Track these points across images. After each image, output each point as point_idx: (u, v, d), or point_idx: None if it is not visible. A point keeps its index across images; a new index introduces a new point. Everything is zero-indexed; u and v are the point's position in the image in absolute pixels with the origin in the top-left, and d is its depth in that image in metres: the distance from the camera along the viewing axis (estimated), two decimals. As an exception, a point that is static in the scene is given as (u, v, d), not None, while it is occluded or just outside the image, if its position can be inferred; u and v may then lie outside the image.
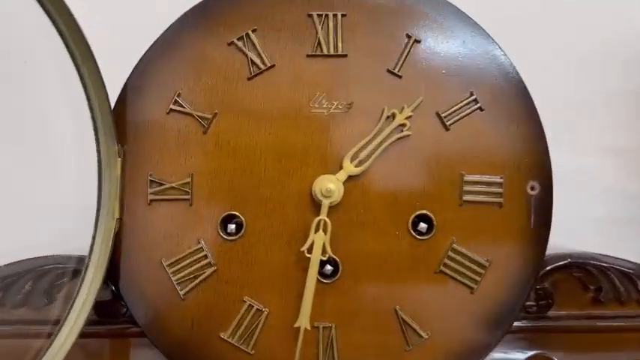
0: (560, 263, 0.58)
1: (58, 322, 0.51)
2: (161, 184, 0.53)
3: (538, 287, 0.58)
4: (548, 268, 0.58)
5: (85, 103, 0.49)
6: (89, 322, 0.51)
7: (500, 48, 0.54)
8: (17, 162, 0.64)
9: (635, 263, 0.59)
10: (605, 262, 0.58)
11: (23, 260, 0.56)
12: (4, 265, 0.56)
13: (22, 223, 0.66)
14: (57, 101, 0.53)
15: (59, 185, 0.58)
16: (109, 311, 0.57)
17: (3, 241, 0.63)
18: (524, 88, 0.54)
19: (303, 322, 0.50)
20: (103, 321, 0.57)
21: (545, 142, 0.54)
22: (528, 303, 0.57)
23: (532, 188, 0.53)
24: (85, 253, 0.52)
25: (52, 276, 0.56)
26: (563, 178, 0.62)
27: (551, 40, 0.94)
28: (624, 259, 0.59)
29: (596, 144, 0.95)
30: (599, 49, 0.94)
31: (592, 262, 0.58)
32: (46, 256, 0.56)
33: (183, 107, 0.53)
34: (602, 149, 0.95)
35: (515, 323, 0.56)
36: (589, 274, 0.58)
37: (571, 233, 0.75)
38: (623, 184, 0.95)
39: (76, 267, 0.56)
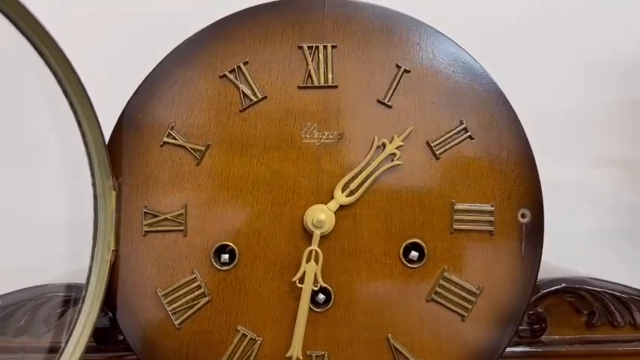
0: (553, 288, 0.58)
1: (57, 350, 0.52)
2: (155, 216, 0.54)
3: (531, 312, 0.58)
4: (541, 292, 0.58)
5: (80, 138, 0.50)
6: (87, 349, 0.52)
7: (489, 75, 0.55)
8: (13, 195, 0.66)
9: (629, 287, 0.59)
10: (598, 287, 0.58)
11: (23, 289, 0.57)
12: (5, 294, 0.57)
13: (21, 249, 0.67)
14: (50, 137, 0.54)
15: (55, 215, 0.59)
16: (107, 338, 0.58)
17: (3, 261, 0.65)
18: (514, 115, 0.55)
19: (295, 351, 0.51)
20: (101, 348, 0.58)
21: (536, 168, 0.54)
22: (521, 327, 0.58)
23: (523, 216, 0.54)
24: (78, 279, 0.53)
25: (50, 305, 0.57)
26: (557, 190, 0.63)
27: (549, 52, 0.94)
28: (617, 283, 0.59)
29: (593, 155, 0.95)
30: (596, 61, 0.95)
31: (585, 286, 0.58)
32: (44, 285, 0.57)
33: (177, 140, 0.54)
34: (598, 161, 0.95)
35: (509, 348, 0.56)
36: (582, 299, 0.58)
37: (566, 245, 0.76)
38: (620, 196, 0.95)
39: (74, 295, 0.57)
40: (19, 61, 0.46)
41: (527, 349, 0.58)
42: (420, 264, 0.53)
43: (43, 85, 0.46)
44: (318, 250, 0.52)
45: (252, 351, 0.53)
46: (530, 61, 0.93)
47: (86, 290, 0.52)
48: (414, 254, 0.53)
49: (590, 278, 0.59)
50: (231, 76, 0.54)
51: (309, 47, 0.54)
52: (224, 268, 0.53)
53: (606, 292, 0.58)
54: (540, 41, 0.94)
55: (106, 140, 0.52)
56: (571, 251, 0.77)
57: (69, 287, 0.58)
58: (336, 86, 0.54)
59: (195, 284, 0.53)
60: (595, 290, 0.58)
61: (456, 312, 0.53)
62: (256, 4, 0.55)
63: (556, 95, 0.94)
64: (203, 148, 0.54)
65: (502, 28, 0.94)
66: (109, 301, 0.54)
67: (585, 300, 0.58)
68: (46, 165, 0.61)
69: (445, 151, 0.54)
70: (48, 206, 0.61)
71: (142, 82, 0.54)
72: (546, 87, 0.93)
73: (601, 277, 0.60)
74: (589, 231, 0.94)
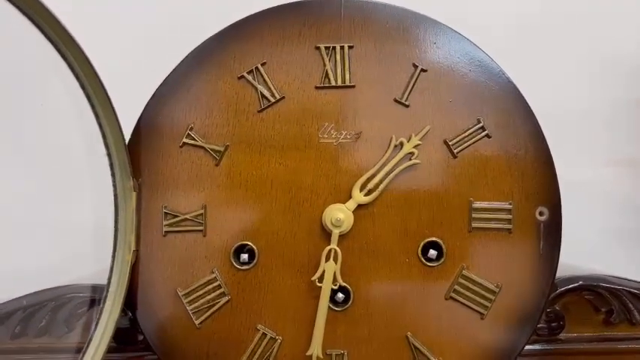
0: (571, 286, 0.58)
1: (78, 351, 0.53)
2: (175, 216, 0.54)
3: (549, 310, 0.58)
4: (559, 290, 0.58)
5: (101, 140, 0.51)
6: (108, 350, 0.52)
7: (505, 74, 0.55)
8: (39, 198, 0.67)
9: (647, 285, 0.59)
10: (617, 284, 0.58)
11: (43, 290, 0.58)
12: (26, 295, 0.58)
13: (44, 250, 0.68)
14: (74, 138, 0.55)
15: (79, 216, 0.60)
16: (127, 338, 0.58)
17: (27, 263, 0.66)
18: (531, 112, 0.55)
19: (315, 350, 0.51)
20: (121, 348, 0.58)
21: (553, 166, 0.54)
22: (540, 325, 0.58)
23: (541, 214, 0.54)
24: (102, 279, 0.54)
25: (71, 305, 0.57)
26: (571, 190, 0.62)
27: (560, 51, 0.94)
28: (635, 281, 0.59)
29: (604, 156, 0.95)
30: (607, 59, 0.94)
31: (603, 284, 0.58)
32: (65, 286, 0.58)
33: (196, 140, 0.54)
34: (609, 161, 0.95)
35: (527, 346, 0.56)
36: (600, 296, 0.58)
37: (580, 246, 0.76)
38: (631, 195, 0.95)
39: (95, 296, 0.58)
40: (45, 65, 0.46)
41: (545, 346, 0.58)
42: (439, 262, 0.53)
43: (69, 88, 0.46)
44: (337, 249, 0.52)
45: (273, 350, 0.53)
46: (541, 60, 0.93)
47: (107, 290, 0.53)
48: (432, 253, 0.53)
49: (608, 276, 0.59)
50: (249, 77, 0.55)
51: (326, 48, 0.54)
52: (243, 267, 0.54)
53: (624, 290, 0.58)
54: (551, 40, 0.94)
55: (126, 141, 0.53)
56: (583, 251, 0.77)
57: (89, 288, 0.58)
58: (353, 86, 0.54)
59: (215, 284, 0.54)
60: (613, 288, 0.58)
61: (474, 310, 0.53)
62: (273, 6, 0.55)
63: (567, 95, 0.94)
64: (222, 149, 0.54)
65: (512, 27, 0.94)
66: (130, 301, 0.54)
67: (603, 298, 0.58)
68: (71, 166, 0.61)
69: (463, 149, 0.54)
70: (73, 208, 0.62)
71: (161, 84, 0.55)
72: (557, 87, 0.93)
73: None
74: (600, 231, 0.94)
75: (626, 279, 0.59)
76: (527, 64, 0.89)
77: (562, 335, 0.58)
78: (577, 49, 0.94)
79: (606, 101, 0.95)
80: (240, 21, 0.56)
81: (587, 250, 0.82)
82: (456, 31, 0.55)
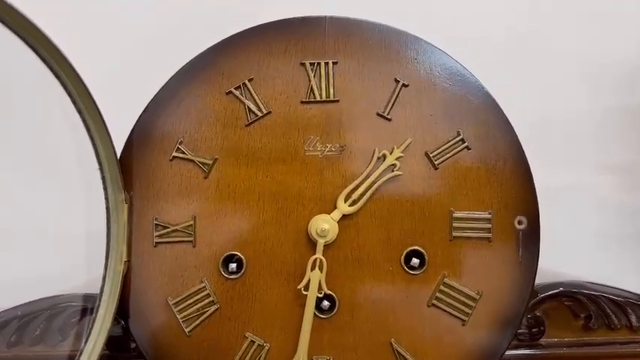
0: (551, 292, 0.60)
1: (72, 358, 0.54)
2: (166, 227, 0.56)
3: (530, 315, 0.60)
4: (539, 297, 0.60)
5: (93, 154, 0.52)
6: (101, 357, 0.54)
7: (484, 87, 0.57)
8: (31, 210, 0.68)
9: (625, 290, 0.61)
10: (595, 291, 0.60)
11: (38, 300, 0.59)
12: (21, 305, 0.59)
13: (38, 259, 0.70)
14: (67, 151, 0.57)
15: (70, 225, 0.61)
16: (120, 346, 0.60)
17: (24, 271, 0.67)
18: (509, 125, 0.57)
19: (301, 357, 0.53)
20: (114, 355, 0.60)
21: (531, 176, 0.56)
22: (520, 331, 0.59)
23: (519, 222, 0.56)
24: (94, 289, 0.55)
25: (65, 315, 0.59)
26: (558, 193, 0.64)
27: (548, 58, 0.96)
28: (614, 287, 0.61)
29: (593, 159, 0.97)
30: (597, 66, 0.96)
31: (583, 290, 0.60)
32: (59, 295, 0.60)
33: (185, 154, 0.56)
34: (597, 165, 0.97)
35: (508, 351, 0.57)
36: (579, 302, 0.60)
37: (568, 250, 0.77)
38: (622, 200, 0.97)
39: (88, 305, 0.59)
40: (38, 81, 0.48)
41: (526, 351, 0.59)
42: (421, 270, 0.55)
43: (62, 105, 0.48)
44: (322, 259, 0.54)
45: (260, 357, 0.55)
46: (532, 68, 0.95)
47: (100, 299, 0.54)
48: (415, 261, 0.55)
49: (588, 282, 0.61)
50: (237, 93, 0.56)
51: (311, 64, 0.56)
52: (232, 276, 0.55)
53: (603, 296, 0.60)
54: (543, 47, 0.96)
55: (118, 155, 0.55)
56: (573, 256, 0.79)
57: (82, 297, 0.60)
58: (337, 100, 0.56)
59: (204, 293, 0.55)
60: (592, 294, 0.60)
61: (456, 317, 0.55)
62: (260, 24, 0.57)
63: (558, 101, 0.96)
64: (211, 162, 0.56)
65: (502, 35, 0.95)
66: (122, 310, 0.56)
67: (582, 303, 0.60)
68: (65, 179, 0.63)
69: (443, 161, 0.56)
70: (66, 219, 0.63)
71: (152, 99, 0.57)
72: (548, 92, 0.95)
73: (603, 281, 0.61)
74: (591, 236, 0.95)
75: (604, 285, 0.60)
76: (522, 72, 0.92)
77: (542, 340, 0.60)
78: (569, 56, 0.96)
79: (598, 107, 0.97)
80: (228, 38, 0.58)
81: (577, 255, 0.84)
82: (435, 47, 0.57)
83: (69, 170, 0.60)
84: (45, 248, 0.69)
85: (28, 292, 0.58)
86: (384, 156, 0.56)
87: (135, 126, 0.57)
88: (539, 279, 0.57)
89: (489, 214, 0.55)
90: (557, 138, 0.96)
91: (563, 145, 0.96)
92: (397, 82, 0.56)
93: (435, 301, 0.55)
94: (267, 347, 0.55)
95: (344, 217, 0.55)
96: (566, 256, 0.72)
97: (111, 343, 0.58)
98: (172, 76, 0.57)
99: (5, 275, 0.67)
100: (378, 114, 0.56)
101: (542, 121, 0.94)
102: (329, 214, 0.55)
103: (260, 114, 0.56)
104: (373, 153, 0.56)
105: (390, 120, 0.56)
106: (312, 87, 0.56)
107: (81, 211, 0.60)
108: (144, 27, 0.89)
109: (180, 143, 0.56)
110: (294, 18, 0.57)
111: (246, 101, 0.56)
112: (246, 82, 0.56)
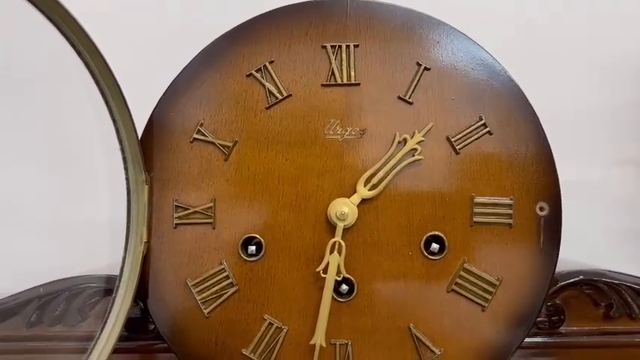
0: (572, 280, 0.59)
1: (91, 339, 0.55)
2: (186, 209, 0.56)
3: (550, 303, 0.59)
4: (559, 284, 0.59)
5: (115, 135, 0.53)
6: (119, 338, 0.54)
7: (507, 72, 0.56)
8: (55, 189, 0.69)
9: (646, 280, 0.60)
10: (616, 279, 0.59)
11: (58, 280, 0.60)
12: (42, 285, 0.60)
13: (58, 243, 0.70)
14: (91, 134, 0.57)
15: (93, 209, 0.62)
16: (138, 327, 0.60)
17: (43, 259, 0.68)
18: (532, 110, 0.56)
19: (319, 339, 0.53)
20: (132, 336, 0.60)
21: (554, 162, 0.56)
22: (540, 319, 0.59)
23: (541, 209, 0.55)
24: (116, 271, 0.56)
25: (85, 295, 0.60)
26: (573, 189, 0.63)
27: (561, 52, 0.95)
28: (635, 276, 0.60)
29: (607, 155, 0.96)
30: (612, 60, 0.95)
31: (603, 279, 0.59)
32: (79, 277, 0.60)
33: (206, 136, 0.56)
34: (611, 160, 0.96)
35: (527, 339, 0.57)
36: (600, 291, 0.60)
37: (581, 243, 0.76)
38: (634, 195, 0.96)
39: (107, 286, 0.60)
40: (61, 61, 0.48)
41: (545, 339, 0.59)
42: (441, 256, 0.55)
43: (84, 84, 0.48)
44: (342, 242, 0.54)
45: (279, 339, 0.55)
46: (546, 61, 0.94)
47: (120, 280, 0.55)
48: (434, 246, 0.55)
49: (608, 271, 0.60)
50: (258, 75, 0.56)
51: (332, 47, 0.56)
52: (251, 259, 0.56)
53: (624, 284, 0.59)
54: (556, 41, 0.95)
55: (139, 137, 0.55)
56: (586, 250, 0.78)
57: (102, 278, 0.61)
58: (358, 84, 0.56)
59: (223, 274, 0.55)
60: (613, 282, 0.59)
61: (476, 302, 0.55)
62: (281, 6, 0.57)
63: (571, 95, 0.95)
64: (231, 144, 0.56)
65: (519, 28, 0.95)
66: (141, 291, 0.56)
67: (603, 292, 0.59)
68: (87, 162, 0.64)
69: (465, 146, 0.55)
70: (89, 203, 0.64)
71: (172, 82, 0.57)
72: (562, 86, 0.94)
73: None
74: (603, 230, 0.95)
75: (625, 274, 0.60)
76: (534, 65, 0.91)
77: (562, 328, 0.60)
78: (584, 49, 0.95)
79: (612, 102, 0.96)
80: (249, 21, 0.57)
81: (590, 249, 0.83)
82: (459, 31, 0.57)
83: (92, 153, 0.60)
84: (68, 233, 0.70)
85: (51, 276, 0.59)
86: (405, 140, 0.55)
87: (156, 108, 0.57)
88: (559, 267, 0.56)
89: (510, 199, 0.55)
90: (571, 131, 0.95)
91: (578, 139, 0.95)
92: (419, 65, 0.56)
93: (454, 287, 0.55)
94: (285, 330, 0.55)
95: (363, 201, 0.55)
96: (581, 250, 0.72)
97: (130, 324, 0.59)
98: (193, 59, 0.57)
99: (27, 259, 0.67)
100: (400, 97, 0.56)
101: (557, 114, 0.93)
102: (348, 198, 0.55)
103: (280, 97, 0.56)
104: (394, 137, 0.55)
105: (411, 104, 0.56)
106: (333, 70, 0.56)
107: (103, 195, 0.60)
108: (167, 10, 0.89)
109: (201, 125, 0.56)
110: (315, 0, 0.57)
111: (267, 84, 0.56)
112: (267, 64, 0.56)
